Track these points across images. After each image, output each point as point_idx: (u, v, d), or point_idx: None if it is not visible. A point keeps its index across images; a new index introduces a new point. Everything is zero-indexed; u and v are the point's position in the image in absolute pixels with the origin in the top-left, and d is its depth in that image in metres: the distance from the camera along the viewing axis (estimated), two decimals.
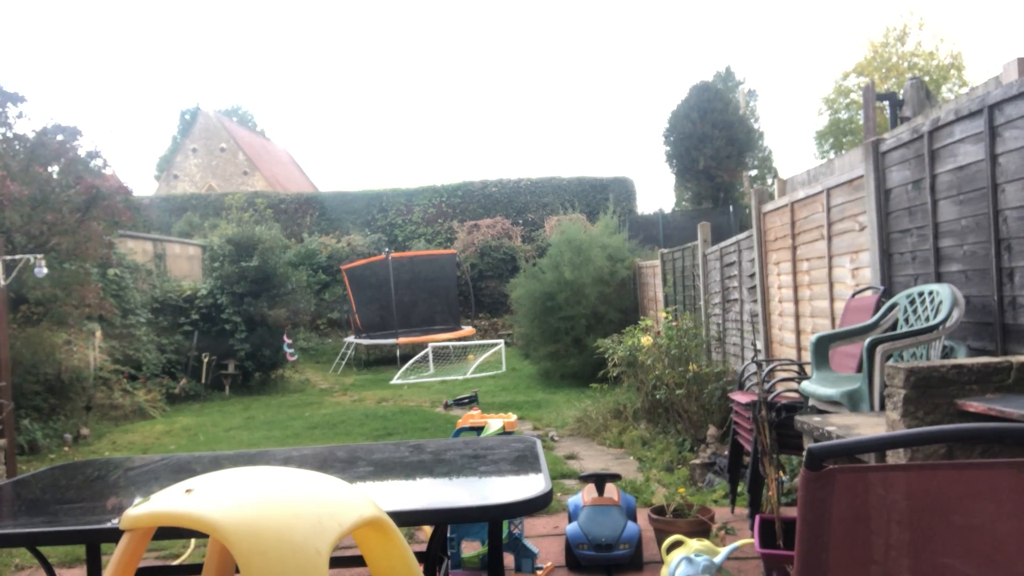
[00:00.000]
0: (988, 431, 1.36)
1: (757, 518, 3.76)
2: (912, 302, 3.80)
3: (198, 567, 3.19)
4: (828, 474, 1.33)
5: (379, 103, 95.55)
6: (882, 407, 3.23)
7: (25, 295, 9.05)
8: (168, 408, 11.38)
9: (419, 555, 2.33)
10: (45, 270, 8.09)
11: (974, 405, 2.34)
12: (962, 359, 2.59)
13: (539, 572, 3.91)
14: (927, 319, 3.57)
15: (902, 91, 6.42)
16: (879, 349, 3.37)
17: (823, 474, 1.32)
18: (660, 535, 4.04)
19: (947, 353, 3.64)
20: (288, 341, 13.74)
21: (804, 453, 1.35)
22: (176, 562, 4.29)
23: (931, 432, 1.37)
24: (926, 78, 26.44)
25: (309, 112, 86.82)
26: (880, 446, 1.66)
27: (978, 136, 3.45)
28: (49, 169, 9.61)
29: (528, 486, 2.46)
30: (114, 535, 2.19)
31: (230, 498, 1.61)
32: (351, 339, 16.55)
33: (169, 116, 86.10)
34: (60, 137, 9.58)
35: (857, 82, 29.51)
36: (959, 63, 29.14)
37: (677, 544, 3.52)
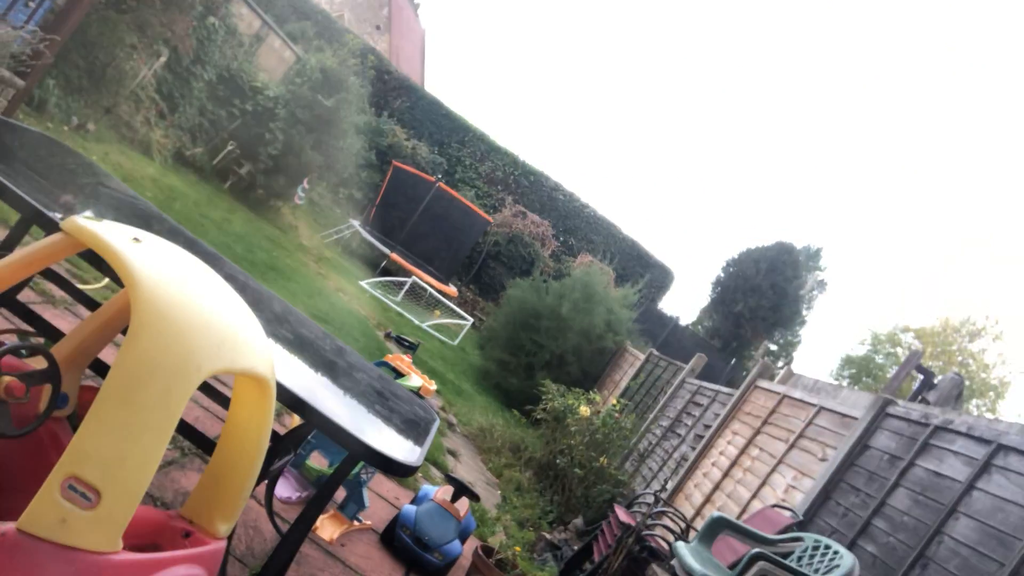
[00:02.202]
0: None
1: None
2: (816, 548, 3.79)
3: (94, 303, 3.19)
4: None
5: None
6: None
7: None
8: (169, 162, 11.36)
9: (275, 435, 2.32)
10: None
11: None
12: None
13: (355, 523, 3.91)
14: (816, 571, 3.57)
15: (940, 377, 6.44)
16: (759, 564, 3.37)
17: None
18: (473, 572, 4.04)
19: None
20: (305, 187, 13.71)
21: None
22: (80, 285, 4.28)
23: None
24: (967, 382, 26.47)
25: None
26: None
27: (971, 460, 3.45)
28: None
29: (403, 449, 2.46)
30: (50, 227, 2.19)
31: (167, 271, 1.61)
32: (355, 223, 16.53)
33: None
34: None
35: (910, 343, 29.52)
36: (1002, 391, 29.16)
37: None
